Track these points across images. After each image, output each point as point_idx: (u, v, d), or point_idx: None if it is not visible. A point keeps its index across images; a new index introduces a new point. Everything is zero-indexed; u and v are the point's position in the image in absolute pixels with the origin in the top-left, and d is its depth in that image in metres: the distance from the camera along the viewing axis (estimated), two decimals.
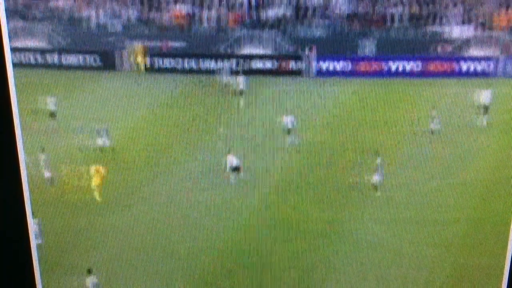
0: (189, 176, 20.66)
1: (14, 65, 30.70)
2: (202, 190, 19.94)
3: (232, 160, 20.64)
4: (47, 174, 20.03)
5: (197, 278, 16.92)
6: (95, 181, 19.54)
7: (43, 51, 29.12)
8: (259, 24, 32.23)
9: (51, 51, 29.21)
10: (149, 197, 19.80)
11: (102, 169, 19.83)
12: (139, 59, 29.21)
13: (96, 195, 19.46)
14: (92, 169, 19.73)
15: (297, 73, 30.53)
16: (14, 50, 27.88)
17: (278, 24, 32.25)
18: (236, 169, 20.82)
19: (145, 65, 29.24)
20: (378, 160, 20.18)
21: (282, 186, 20.47)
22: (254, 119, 23.73)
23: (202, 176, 20.59)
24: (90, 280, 16.23)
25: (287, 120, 22.53)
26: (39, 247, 16.50)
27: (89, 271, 16.44)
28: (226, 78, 26.78)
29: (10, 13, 29.92)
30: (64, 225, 18.28)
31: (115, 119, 23.17)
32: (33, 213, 16.76)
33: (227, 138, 22.28)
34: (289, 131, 22.37)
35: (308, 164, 21.60)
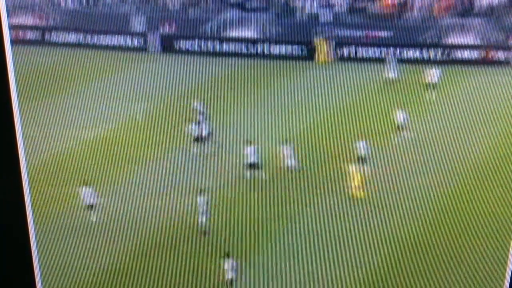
0: None
1: (221, 54, 33.46)
2: None
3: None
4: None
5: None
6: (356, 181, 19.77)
7: (254, 41, 31.95)
8: (469, 11, 31.95)
9: (261, 41, 32.00)
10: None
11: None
12: (326, 49, 30.82)
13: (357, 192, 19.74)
14: (352, 168, 19.86)
15: (504, 63, 29.91)
16: (227, 40, 31.08)
17: (489, 12, 31.65)
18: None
19: (333, 55, 30.80)
20: None
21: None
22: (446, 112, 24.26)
23: None
24: (228, 263, 16.28)
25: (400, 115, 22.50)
26: (205, 221, 17.92)
27: (227, 254, 16.43)
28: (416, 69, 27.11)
29: (229, 4, 33.14)
30: (229, 205, 19.46)
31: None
32: (201, 191, 18.63)
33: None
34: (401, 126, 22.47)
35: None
